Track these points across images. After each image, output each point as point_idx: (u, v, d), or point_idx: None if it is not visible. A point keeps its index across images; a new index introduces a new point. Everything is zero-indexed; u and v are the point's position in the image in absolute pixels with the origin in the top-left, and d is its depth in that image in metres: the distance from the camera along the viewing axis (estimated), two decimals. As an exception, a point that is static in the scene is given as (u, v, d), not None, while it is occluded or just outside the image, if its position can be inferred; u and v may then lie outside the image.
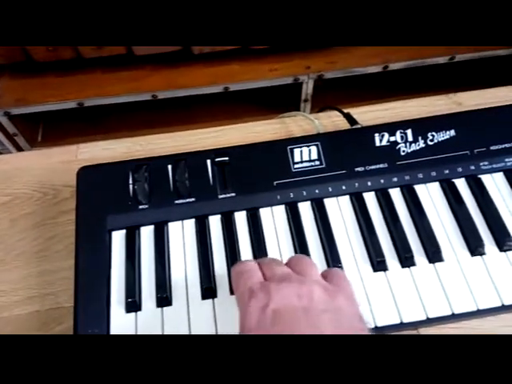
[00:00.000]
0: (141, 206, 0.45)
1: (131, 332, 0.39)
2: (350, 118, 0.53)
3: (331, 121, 0.58)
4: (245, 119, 1.19)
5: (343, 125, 0.56)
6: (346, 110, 0.55)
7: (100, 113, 1.20)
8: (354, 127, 0.51)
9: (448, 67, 1.16)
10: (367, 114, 0.56)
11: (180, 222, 0.45)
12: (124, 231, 0.44)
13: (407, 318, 0.39)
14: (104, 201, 0.45)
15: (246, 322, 0.30)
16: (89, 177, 0.46)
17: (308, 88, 1.08)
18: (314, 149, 0.47)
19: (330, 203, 0.45)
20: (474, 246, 0.42)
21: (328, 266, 0.42)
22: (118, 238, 0.44)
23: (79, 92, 1.08)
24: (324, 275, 0.35)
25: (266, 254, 0.43)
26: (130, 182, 0.46)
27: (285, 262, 0.36)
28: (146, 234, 0.45)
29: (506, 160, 0.46)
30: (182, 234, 0.45)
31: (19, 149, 1.22)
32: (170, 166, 0.47)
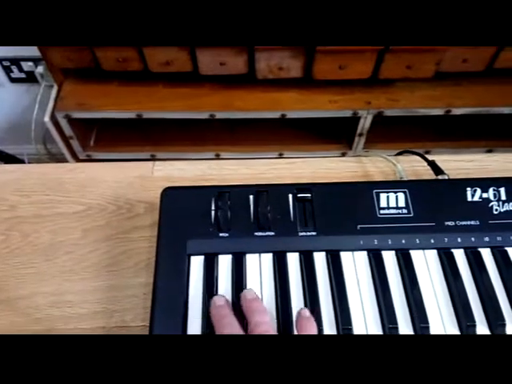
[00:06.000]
0: (221, 234, 0.44)
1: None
2: (434, 167, 0.52)
3: (411, 165, 0.56)
4: (296, 146, 1.19)
5: (424, 171, 0.54)
6: (430, 158, 0.53)
7: (150, 124, 1.22)
8: (441, 177, 0.49)
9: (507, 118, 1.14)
10: (450, 163, 0.54)
11: (257, 254, 0.45)
12: (202, 257, 0.44)
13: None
14: (186, 224, 0.44)
15: None
16: (172, 198, 0.46)
17: (366, 123, 1.08)
18: (401, 196, 0.46)
19: (416, 256, 0.43)
20: None
21: (413, 322, 0.40)
22: (197, 264, 0.43)
23: (139, 103, 1.10)
24: None
25: (346, 299, 0.41)
26: (213, 208, 0.45)
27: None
28: (225, 262, 0.44)
29: None
30: (259, 267, 0.44)
31: (72, 151, 1.25)
32: (251, 196, 0.46)
